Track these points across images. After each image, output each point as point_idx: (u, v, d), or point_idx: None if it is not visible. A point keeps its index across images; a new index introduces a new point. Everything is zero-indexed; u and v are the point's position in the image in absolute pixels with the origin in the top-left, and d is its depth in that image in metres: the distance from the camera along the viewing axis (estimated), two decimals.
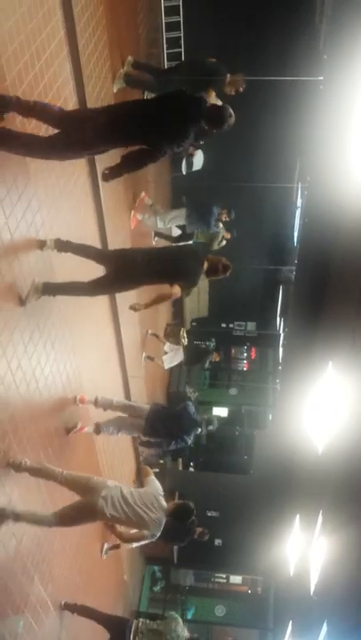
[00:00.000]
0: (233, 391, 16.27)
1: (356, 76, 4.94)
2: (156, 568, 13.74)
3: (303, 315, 8.53)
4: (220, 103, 8.29)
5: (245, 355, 17.82)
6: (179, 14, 9.79)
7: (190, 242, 10.53)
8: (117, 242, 7.37)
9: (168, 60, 10.33)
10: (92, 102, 5.84)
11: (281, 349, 14.76)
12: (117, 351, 8.16)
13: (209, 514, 12.04)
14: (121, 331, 7.94)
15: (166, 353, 11.25)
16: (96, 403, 6.27)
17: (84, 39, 5.47)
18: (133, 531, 5.33)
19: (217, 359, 12.64)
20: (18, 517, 4.27)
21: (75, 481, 4.73)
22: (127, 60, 7.28)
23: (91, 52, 5.80)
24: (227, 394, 16.20)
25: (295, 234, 12.32)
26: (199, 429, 6.66)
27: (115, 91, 6.98)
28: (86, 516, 4.77)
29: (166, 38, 9.96)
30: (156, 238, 10.37)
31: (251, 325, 16.12)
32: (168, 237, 10.68)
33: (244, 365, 17.89)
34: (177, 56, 10.27)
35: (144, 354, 10.33)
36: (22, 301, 4.32)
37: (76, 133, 3.85)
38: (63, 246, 4.71)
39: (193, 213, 9.53)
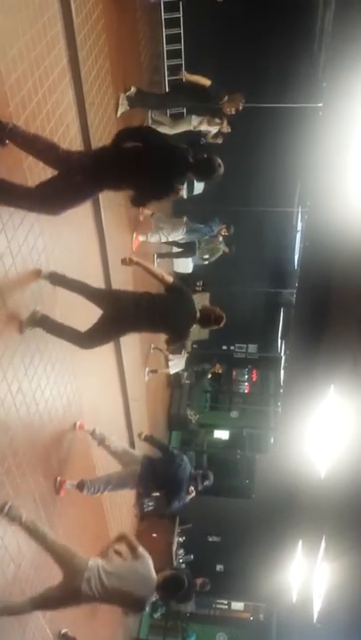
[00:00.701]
0: (234, 414, 16.20)
1: (354, 103, 5.02)
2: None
3: (304, 337, 8.54)
4: (226, 128, 8.54)
5: (247, 377, 17.76)
6: (180, 42, 9.97)
7: (192, 258, 10.66)
8: (118, 264, 7.41)
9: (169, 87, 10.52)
10: (95, 129, 5.93)
11: (282, 372, 14.73)
12: (118, 373, 8.14)
13: (210, 539, 11.90)
14: (122, 352, 7.93)
15: (171, 360, 11.32)
16: (93, 434, 6.17)
17: (86, 66, 5.58)
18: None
19: (219, 371, 12.61)
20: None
21: (60, 554, 4.36)
22: (130, 90, 7.41)
23: (93, 79, 5.91)
24: (228, 416, 16.13)
25: (296, 257, 12.40)
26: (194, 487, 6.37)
27: (118, 115, 7.09)
28: (70, 601, 4.41)
29: (167, 66, 10.12)
30: (159, 260, 10.42)
31: (252, 348, 16.12)
32: (171, 255, 10.73)
33: (246, 388, 17.82)
34: (178, 82, 10.45)
35: (147, 369, 10.33)
36: (21, 328, 4.32)
37: (66, 178, 3.76)
38: (57, 280, 4.68)
39: (193, 221, 9.67)
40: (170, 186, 4.08)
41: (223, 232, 9.85)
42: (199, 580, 6.40)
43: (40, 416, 4.80)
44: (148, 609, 4.71)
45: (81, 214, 5.83)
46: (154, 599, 4.60)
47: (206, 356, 14.41)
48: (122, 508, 8.40)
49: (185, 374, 13.26)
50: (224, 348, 15.94)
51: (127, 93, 7.30)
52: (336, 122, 6.09)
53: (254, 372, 17.35)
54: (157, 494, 6.42)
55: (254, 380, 17.48)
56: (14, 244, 4.11)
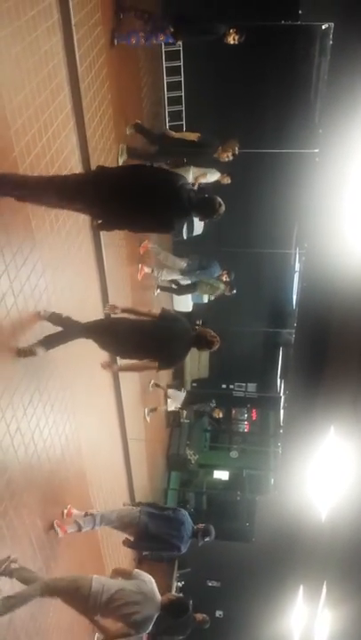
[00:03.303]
0: (234, 454, 16.00)
1: (349, 149, 5.17)
2: None
3: (304, 377, 8.54)
4: (226, 180, 8.75)
5: (246, 416, 17.63)
6: (180, 90, 10.30)
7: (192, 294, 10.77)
8: (120, 300, 7.48)
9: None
10: None
11: (282, 412, 14.64)
12: (117, 411, 8.11)
13: (210, 583, 11.63)
14: (121, 390, 7.92)
15: (169, 397, 11.29)
16: (85, 514, 5.86)
17: (90, 113, 5.76)
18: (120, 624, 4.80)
19: (219, 415, 12.58)
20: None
21: (64, 591, 4.47)
22: (128, 126, 7.61)
23: (97, 125, 6.08)
24: (228, 456, 15.93)
25: (294, 297, 12.50)
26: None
27: (120, 163, 7.27)
28: (77, 604, 4.52)
29: (168, 112, 10.44)
30: (158, 291, 10.55)
31: (251, 387, 16.06)
32: (171, 290, 10.86)
33: (245, 427, 17.67)
34: (179, 128, 10.75)
35: (146, 409, 10.27)
36: (19, 352, 4.32)
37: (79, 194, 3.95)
38: (56, 320, 4.75)
39: (195, 262, 9.79)
40: (170, 225, 4.22)
41: (224, 278, 9.94)
42: (200, 617, 6.31)
43: (38, 456, 4.77)
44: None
45: (83, 251, 5.92)
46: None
47: (206, 395, 14.34)
48: (119, 551, 8.23)
49: (184, 413, 13.19)
50: (223, 386, 15.87)
51: (125, 146, 7.42)
52: (332, 167, 6.26)
53: (254, 411, 17.24)
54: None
55: (254, 419, 17.35)
56: (16, 284, 4.17)
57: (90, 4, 5.64)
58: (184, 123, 10.73)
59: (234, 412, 17.38)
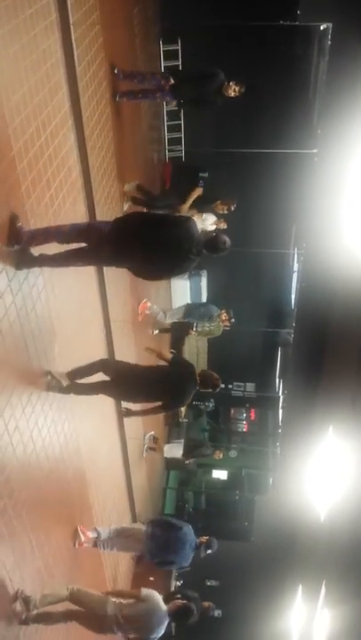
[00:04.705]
0: (233, 454, 15.99)
1: (348, 150, 5.17)
2: None
3: (302, 377, 8.55)
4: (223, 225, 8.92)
5: (245, 415, 17.62)
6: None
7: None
8: (116, 303, 7.49)
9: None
10: (95, 172, 6.08)
11: (281, 412, 14.65)
12: (116, 411, 8.10)
13: (208, 583, 11.62)
14: None
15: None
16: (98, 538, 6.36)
17: (88, 111, 5.75)
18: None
19: (219, 457, 12.88)
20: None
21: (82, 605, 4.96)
22: (130, 184, 7.67)
23: (95, 124, 6.08)
24: (226, 456, 15.94)
25: (293, 297, 12.51)
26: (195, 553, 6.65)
27: (125, 209, 7.40)
28: (94, 623, 5.02)
29: (167, 111, 10.47)
30: (157, 331, 10.67)
31: (250, 386, 16.05)
32: (168, 331, 11.12)
33: (244, 427, 17.65)
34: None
35: (145, 445, 10.38)
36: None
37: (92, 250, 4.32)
38: (73, 376, 5.22)
39: (194, 310, 10.14)
40: (180, 266, 4.59)
41: (223, 317, 9.99)
42: (206, 605, 6.60)
43: (37, 455, 4.76)
44: None
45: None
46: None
47: (204, 395, 14.35)
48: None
49: (183, 412, 13.21)
50: (222, 386, 15.87)
51: (126, 188, 7.52)
52: (330, 167, 6.27)
53: (252, 411, 17.23)
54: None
55: (253, 418, 17.34)
56: (15, 283, 4.16)
57: (88, 3, 5.63)
58: (182, 121, 10.77)
59: (232, 411, 17.38)
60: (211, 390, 5.57)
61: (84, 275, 6.21)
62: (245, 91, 7.19)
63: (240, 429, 17.55)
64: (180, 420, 13.91)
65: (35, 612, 4.53)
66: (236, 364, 14.88)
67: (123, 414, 5.89)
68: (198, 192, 8.25)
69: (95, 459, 6.88)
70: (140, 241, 4.31)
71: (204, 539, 6.49)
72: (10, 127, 4.02)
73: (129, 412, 5.87)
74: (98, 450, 7.05)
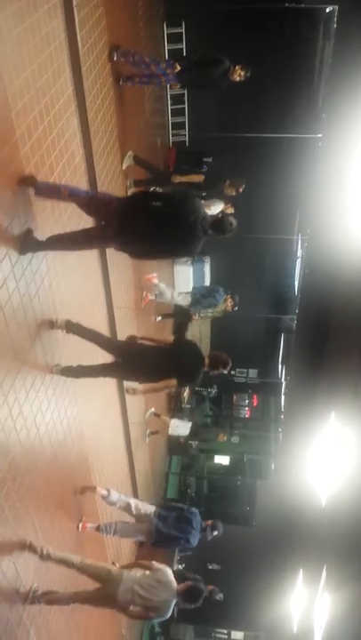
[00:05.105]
0: (235, 439, 16.10)
1: (353, 134, 5.13)
2: (155, 622, 13.24)
3: (305, 363, 8.55)
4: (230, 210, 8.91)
5: (247, 402, 17.69)
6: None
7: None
8: (120, 285, 7.49)
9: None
10: (98, 156, 6.04)
11: (283, 398, 14.69)
12: (119, 395, 8.13)
13: (210, 567, 11.72)
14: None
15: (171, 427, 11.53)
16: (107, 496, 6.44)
17: (91, 95, 5.71)
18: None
19: (223, 439, 12.87)
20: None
21: (95, 573, 5.14)
22: (127, 155, 7.53)
23: (98, 107, 6.03)
24: (229, 442, 16.03)
25: (296, 283, 12.48)
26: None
27: (124, 168, 7.28)
28: (107, 604, 5.21)
29: (170, 94, 10.37)
30: (160, 318, 10.64)
31: (252, 372, 16.10)
32: (171, 316, 11.13)
33: (246, 412, 17.73)
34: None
35: (147, 430, 10.38)
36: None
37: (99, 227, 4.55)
38: (72, 328, 5.05)
39: (201, 300, 9.97)
40: (190, 244, 4.54)
41: (229, 302, 9.89)
42: (210, 587, 6.74)
43: (40, 440, 4.79)
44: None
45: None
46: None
47: (207, 380, 14.38)
48: None
49: (185, 398, 13.25)
50: (225, 372, 15.90)
51: (124, 166, 7.41)
52: (335, 152, 6.21)
53: (255, 397, 17.30)
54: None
55: (255, 404, 17.41)
56: (18, 268, 4.16)
57: None
58: (186, 105, 10.68)
59: (235, 397, 17.45)
60: (221, 370, 5.56)
61: (88, 260, 6.20)
62: (250, 75, 7.18)
63: (242, 415, 17.64)
64: (184, 406, 13.96)
65: (40, 592, 4.66)
66: (238, 350, 14.88)
67: (129, 392, 5.83)
68: (199, 178, 8.20)
69: (98, 443, 6.92)
70: (146, 215, 4.34)
71: (209, 522, 6.59)
72: (13, 110, 3.99)
73: (135, 391, 5.81)
74: (101, 435, 7.09)
